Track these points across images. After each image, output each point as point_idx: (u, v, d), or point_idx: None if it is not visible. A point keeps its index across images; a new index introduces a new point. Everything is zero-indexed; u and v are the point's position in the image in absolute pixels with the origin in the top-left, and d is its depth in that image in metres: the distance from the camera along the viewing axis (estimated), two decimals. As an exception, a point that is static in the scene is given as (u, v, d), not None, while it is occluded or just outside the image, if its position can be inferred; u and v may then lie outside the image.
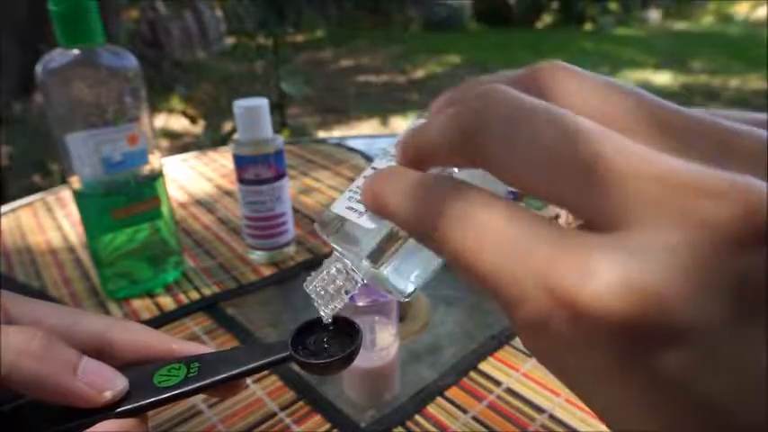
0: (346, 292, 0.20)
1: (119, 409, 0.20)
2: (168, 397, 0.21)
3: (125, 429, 0.20)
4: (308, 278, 0.20)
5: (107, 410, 0.20)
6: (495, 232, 0.12)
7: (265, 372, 0.40)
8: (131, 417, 0.20)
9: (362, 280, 0.19)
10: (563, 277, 0.11)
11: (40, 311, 0.21)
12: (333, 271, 0.19)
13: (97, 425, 0.20)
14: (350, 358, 0.21)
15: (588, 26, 6.28)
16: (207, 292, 0.51)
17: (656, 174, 0.11)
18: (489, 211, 0.13)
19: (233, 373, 0.21)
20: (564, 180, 0.12)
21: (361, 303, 0.34)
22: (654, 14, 6.59)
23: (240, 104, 0.50)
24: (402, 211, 0.15)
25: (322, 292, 0.20)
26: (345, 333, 0.22)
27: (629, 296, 0.10)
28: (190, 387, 0.21)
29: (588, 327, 0.11)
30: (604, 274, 0.11)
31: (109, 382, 0.20)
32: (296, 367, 0.23)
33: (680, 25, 6.25)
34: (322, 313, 0.20)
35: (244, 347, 0.28)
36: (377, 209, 0.17)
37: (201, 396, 0.38)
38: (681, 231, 0.11)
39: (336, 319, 0.22)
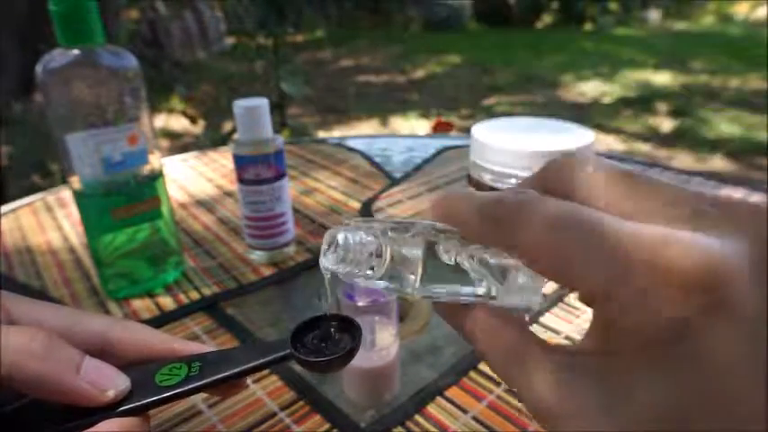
0: (360, 267, 0.18)
1: (121, 409, 0.20)
2: (170, 396, 0.21)
3: (127, 428, 0.20)
4: (334, 229, 0.19)
5: (109, 410, 0.20)
6: (596, 235, 0.14)
7: (265, 371, 0.40)
8: (133, 416, 0.20)
9: (382, 270, 0.18)
10: (665, 253, 0.13)
11: (41, 312, 0.22)
12: (368, 240, 0.18)
13: (99, 424, 0.20)
14: (350, 355, 0.21)
15: (588, 26, 6.28)
16: (207, 292, 0.51)
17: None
18: (583, 215, 0.14)
19: (234, 371, 0.22)
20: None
21: (361, 303, 0.34)
22: (654, 14, 6.58)
23: (240, 104, 0.50)
24: (473, 219, 0.16)
25: (347, 250, 0.18)
26: (345, 330, 0.22)
27: (710, 267, 0.12)
28: (191, 386, 0.21)
29: (671, 292, 0.13)
30: (694, 252, 0.13)
31: (111, 382, 0.20)
32: (296, 366, 0.23)
33: (680, 25, 6.24)
34: (329, 264, 0.19)
35: (245, 347, 0.28)
36: (447, 218, 0.17)
37: (202, 396, 0.38)
38: (742, 239, 0.13)
39: (336, 317, 0.22)
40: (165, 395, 0.21)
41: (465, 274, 0.18)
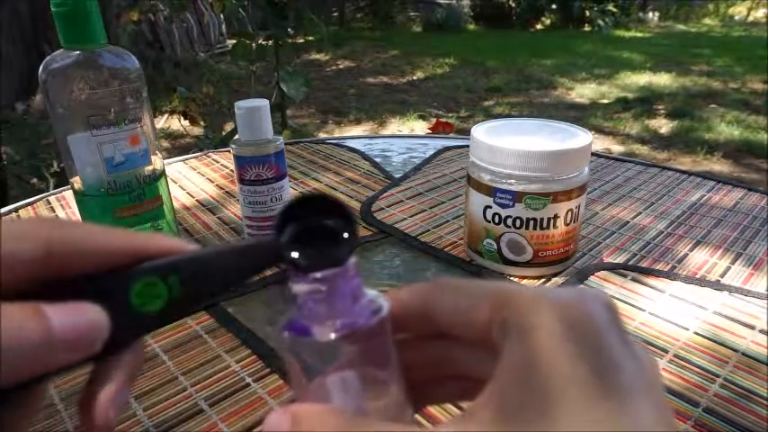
0: None
1: (112, 352, 0.17)
2: (157, 324, 0.18)
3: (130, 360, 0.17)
4: None
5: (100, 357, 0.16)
6: None
7: (266, 370, 0.41)
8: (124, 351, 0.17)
9: None
10: None
11: None
12: None
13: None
14: (349, 252, 0.18)
15: (587, 28, 6.29)
16: (208, 291, 0.51)
17: None
18: None
19: (223, 286, 0.19)
20: None
21: (329, 336, 0.19)
22: (652, 16, 6.59)
23: (241, 105, 0.50)
24: None
25: None
26: (334, 215, 0.19)
27: None
28: (180, 310, 0.18)
29: None
30: None
31: (91, 331, 0.16)
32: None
33: (679, 26, 6.25)
34: None
35: (223, 250, 0.20)
36: None
37: (202, 395, 0.38)
38: None
39: (322, 199, 0.19)
40: (154, 325, 0.17)
41: None
